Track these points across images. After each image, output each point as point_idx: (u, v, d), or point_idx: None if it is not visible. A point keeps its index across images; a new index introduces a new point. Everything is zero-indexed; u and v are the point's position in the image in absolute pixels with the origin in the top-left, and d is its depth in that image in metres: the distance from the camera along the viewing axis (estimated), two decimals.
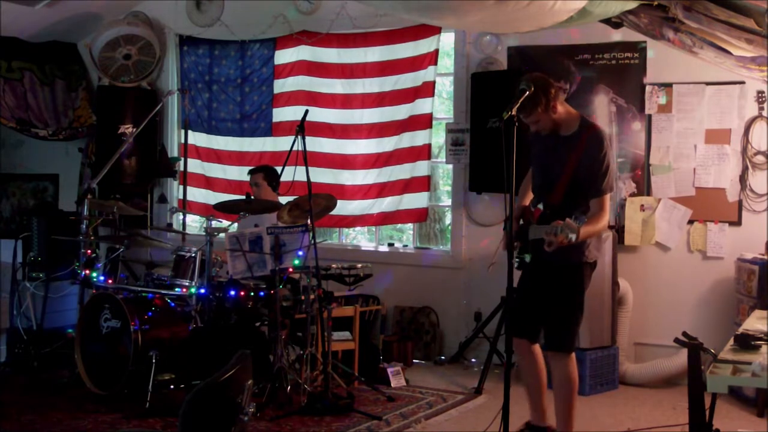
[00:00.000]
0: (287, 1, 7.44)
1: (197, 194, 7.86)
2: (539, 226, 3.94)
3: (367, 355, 5.99)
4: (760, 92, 5.98)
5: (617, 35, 6.09)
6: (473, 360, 6.67)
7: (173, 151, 8.09)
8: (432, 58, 6.94)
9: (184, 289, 5.48)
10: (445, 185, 7.46)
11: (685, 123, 6.18)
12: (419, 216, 7.11)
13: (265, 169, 6.29)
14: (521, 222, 4.21)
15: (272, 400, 5.16)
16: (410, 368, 6.44)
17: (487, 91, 6.43)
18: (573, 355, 4.26)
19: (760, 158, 6.00)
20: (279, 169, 5.97)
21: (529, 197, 4.39)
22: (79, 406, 5.19)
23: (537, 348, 4.36)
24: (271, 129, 7.62)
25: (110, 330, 5.34)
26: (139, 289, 5.60)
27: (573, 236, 3.68)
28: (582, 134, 4.11)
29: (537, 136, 4.27)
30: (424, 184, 7.04)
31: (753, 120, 6.01)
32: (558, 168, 4.10)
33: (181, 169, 7.62)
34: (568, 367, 4.24)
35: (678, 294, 6.21)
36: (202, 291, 5.43)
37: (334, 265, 5.94)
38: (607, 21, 4.95)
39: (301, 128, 5.30)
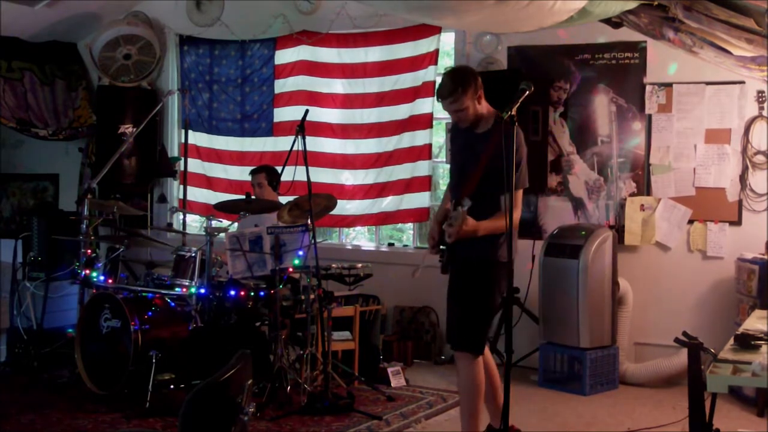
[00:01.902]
0: (287, 1, 7.44)
1: (198, 194, 7.86)
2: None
3: (367, 355, 5.99)
4: (760, 92, 5.98)
5: (617, 35, 6.08)
6: None
7: (173, 151, 8.09)
8: (432, 58, 6.94)
9: (184, 289, 5.48)
10: (445, 185, 7.44)
11: (685, 123, 6.18)
12: (420, 216, 7.11)
13: (266, 169, 6.30)
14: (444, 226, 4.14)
15: (272, 400, 5.16)
16: (410, 368, 6.43)
17: (487, 91, 6.38)
18: (480, 359, 4.09)
19: (760, 158, 6.00)
20: (279, 168, 5.97)
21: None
22: (79, 406, 5.18)
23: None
24: (272, 129, 7.62)
25: (110, 330, 5.33)
26: (139, 289, 5.59)
27: (459, 219, 3.69)
28: (496, 131, 4.04)
29: (455, 137, 4.28)
30: (426, 183, 7.04)
31: (753, 120, 6.01)
32: (472, 166, 4.05)
33: (182, 169, 7.62)
34: (473, 369, 4.06)
35: (678, 294, 6.20)
36: (202, 291, 5.43)
37: (334, 265, 5.94)
38: (607, 21, 4.94)
39: (302, 128, 5.29)
